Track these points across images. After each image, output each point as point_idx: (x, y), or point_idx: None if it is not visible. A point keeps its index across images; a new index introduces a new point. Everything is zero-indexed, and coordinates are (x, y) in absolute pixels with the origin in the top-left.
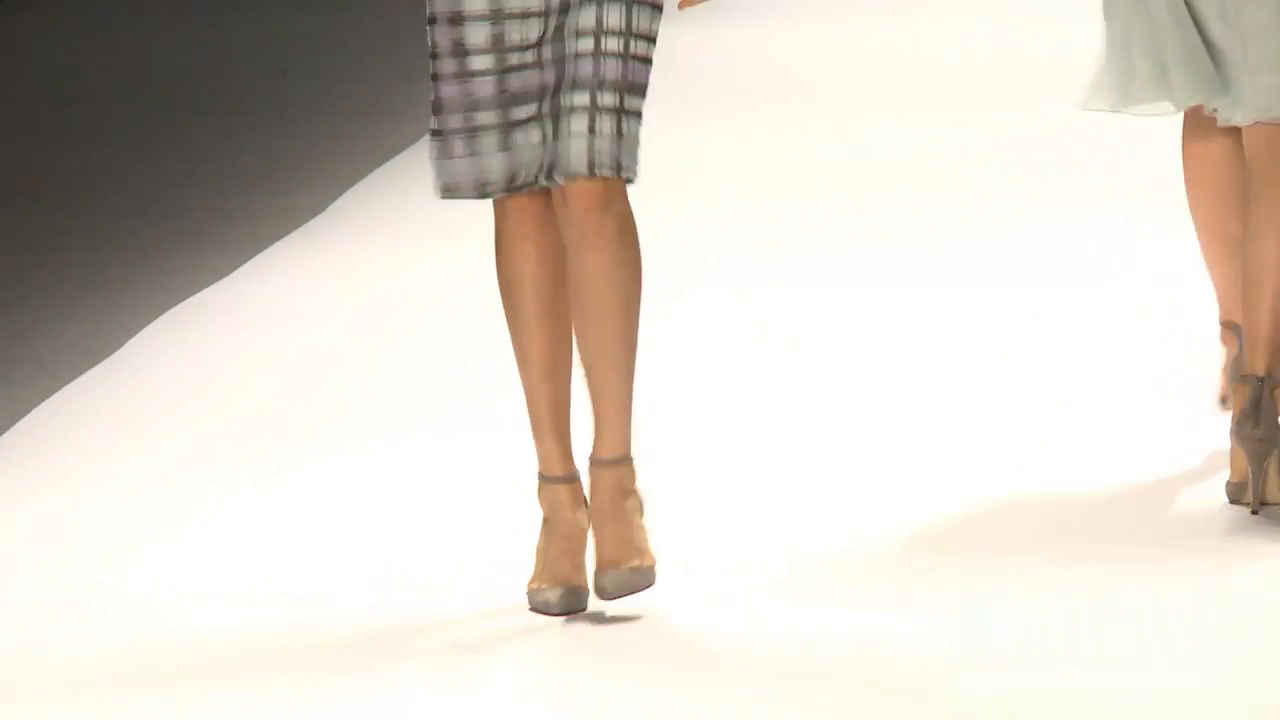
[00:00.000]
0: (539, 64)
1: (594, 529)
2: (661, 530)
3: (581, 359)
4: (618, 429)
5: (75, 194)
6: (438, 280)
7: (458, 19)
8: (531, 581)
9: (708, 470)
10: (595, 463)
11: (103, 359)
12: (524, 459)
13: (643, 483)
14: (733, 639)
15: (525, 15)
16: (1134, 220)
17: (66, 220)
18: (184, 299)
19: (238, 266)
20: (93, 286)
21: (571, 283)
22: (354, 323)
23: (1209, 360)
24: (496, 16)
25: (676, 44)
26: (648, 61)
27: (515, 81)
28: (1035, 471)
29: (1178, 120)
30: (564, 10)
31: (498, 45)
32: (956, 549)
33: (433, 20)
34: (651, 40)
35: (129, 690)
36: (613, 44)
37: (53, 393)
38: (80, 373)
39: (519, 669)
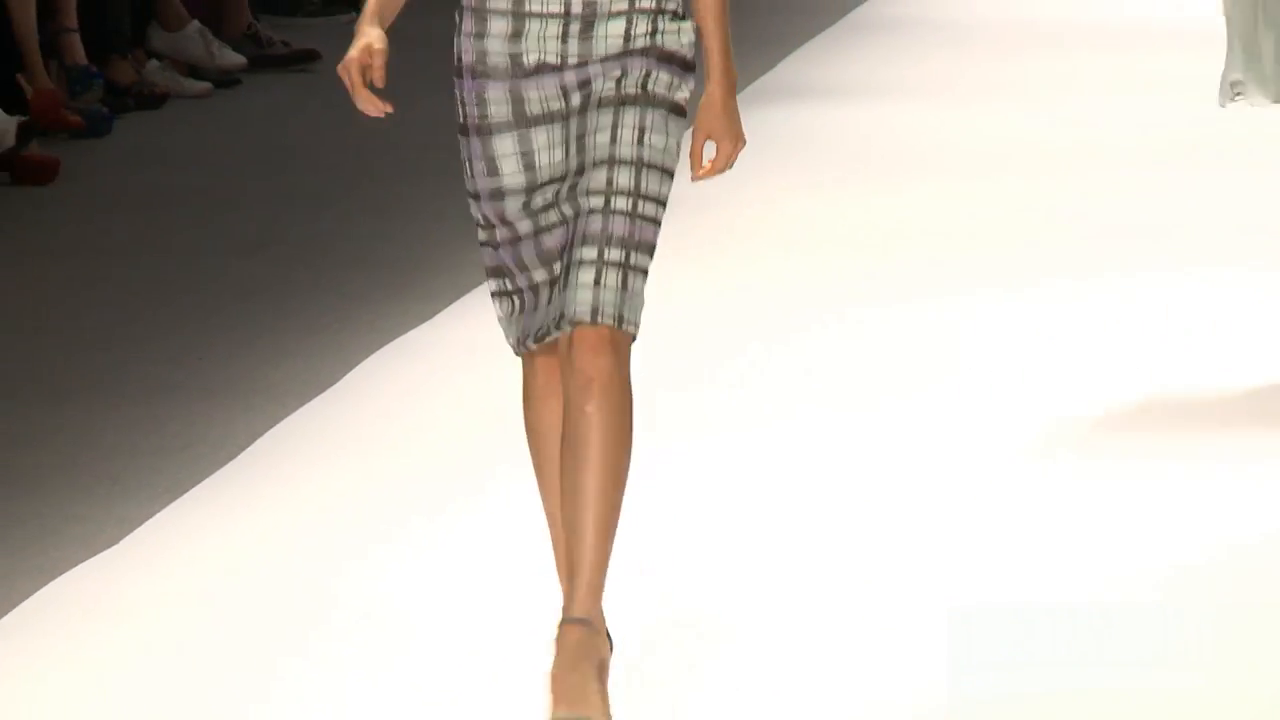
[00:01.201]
0: (564, 223)
1: (552, 679)
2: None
3: (563, 509)
4: (588, 588)
5: (301, 250)
6: None
7: (499, 194)
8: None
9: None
10: (565, 617)
11: (324, 390)
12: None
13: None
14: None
15: (553, 181)
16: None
17: (295, 273)
18: (393, 339)
19: (438, 312)
20: (317, 328)
21: (568, 429)
22: None
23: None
24: (531, 187)
25: (772, 122)
26: (655, 222)
27: (548, 240)
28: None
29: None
30: (580, 172)
31: (534, 211)
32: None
33: (477, 196)
34: (660, 203)
35: (360, 698)
36: (621, 203)
37: (282, 419)
38: (306, 401)
39: None
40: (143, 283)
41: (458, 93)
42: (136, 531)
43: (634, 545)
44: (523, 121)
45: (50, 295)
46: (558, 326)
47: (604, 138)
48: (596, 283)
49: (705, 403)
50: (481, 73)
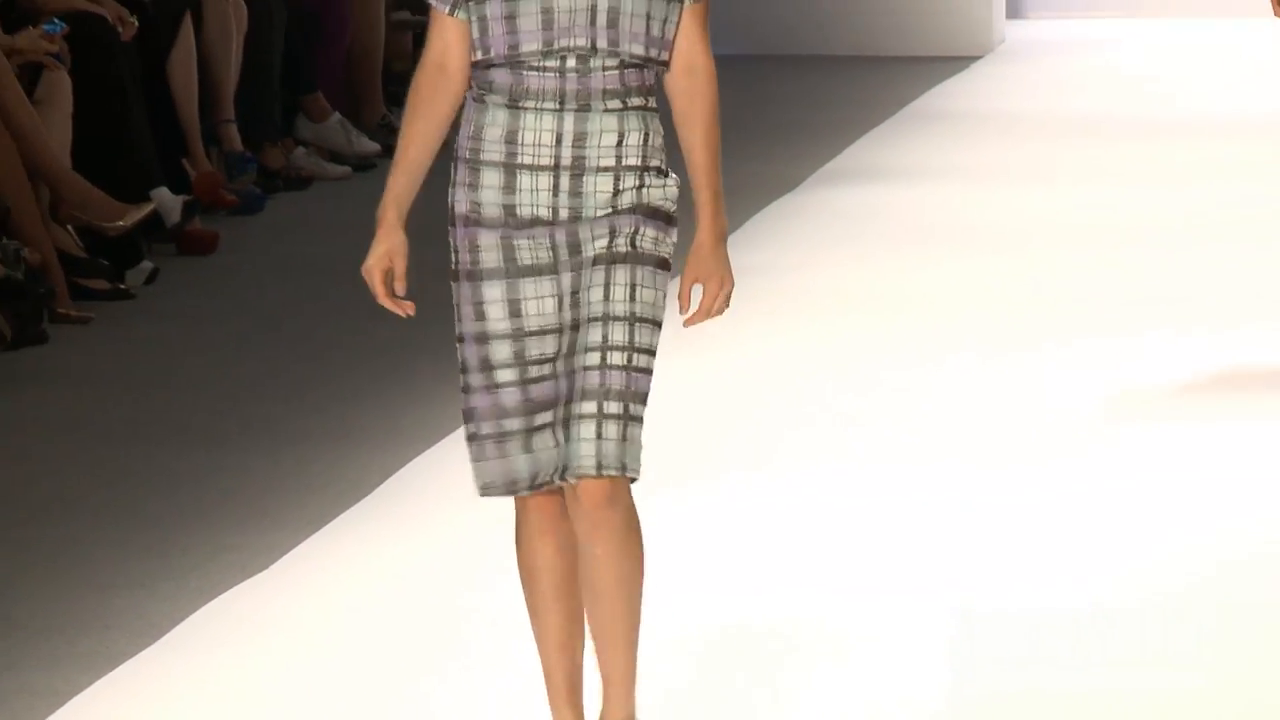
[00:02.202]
0: (555, 376)
1: None
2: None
3: (591, 633)
4: (622, 693)
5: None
6: None
7: (484, 338)
8: None
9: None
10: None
11: (450, 434)
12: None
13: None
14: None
15: (543, 332)
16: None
17: (423, 333)
18: None
19: None
20: (443, 379)
21: (582, 570)
22: None
23: None
24: (518, 334)
25: (838, 201)
26: (648, 372)
27: (536, 391)
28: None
29: None
30: (575, 327)
31: (520, 360)
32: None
33: (461, 339)
34: (651, 354)
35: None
36: (617, 358)
37: (413, 459)
38: (434, 444)
39: None
40: (291, 341)
41: (451, 240)
42: (284, 559)
43: (698, 567)
44: (513, 271)
45: (211, 352)
46: (561, 477)
47: (597, 294)
48: (599, 436)
49: (767, 440)
50: (475, 221)
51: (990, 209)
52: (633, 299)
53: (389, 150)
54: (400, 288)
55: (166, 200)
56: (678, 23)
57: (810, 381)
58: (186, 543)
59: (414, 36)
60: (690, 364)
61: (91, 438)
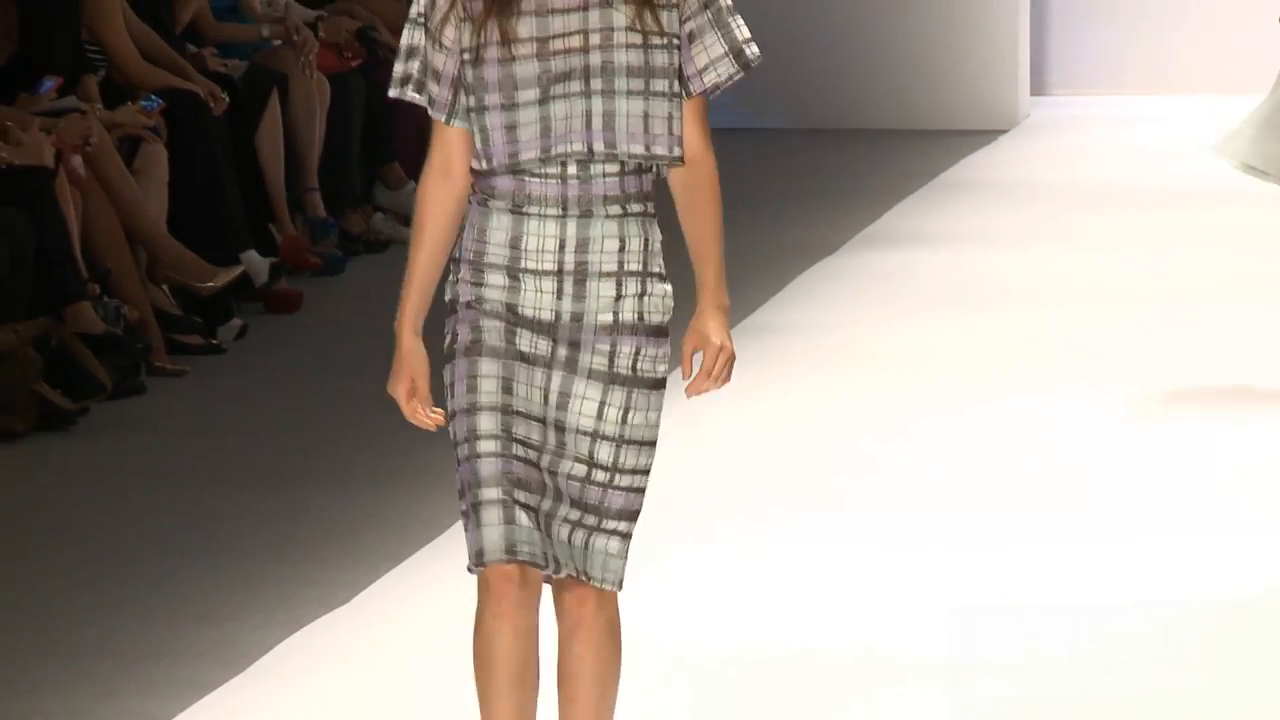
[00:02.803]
0: (539, 467)
1: None
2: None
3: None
4: None
5: None
6: None
7: (474, 409)
8: None
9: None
10: None
11: None
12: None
13: None
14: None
15: (529, 417)
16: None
17: None
18: None
19: None
20: None
21: (561, 663)
22: None
23: None
24: (507, 410)
25: (875, 263)
26: (634, 490)
27: (519, 468)
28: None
29: None
30: (559, 428)
31: (506, 433)
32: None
33: (453, 415)
34: (638, 472)
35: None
36: (600, 476)
37: None
38: None
39: None
40: (368, 392)
41: (448, 324)
42: (364, 593)
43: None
44: (511, 354)
45: (296, 402)
46: (554, 570)
47: (590, 409)
48: (586, 547)
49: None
50: (478, 308)
51: (1017, 270)
52: (624, 421)
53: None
54: (426, 405)
55: (255, 262)
56: (681, 118)
57: (847, 430)
58: (273, 578)
59: None
60: (735, 414)
61: (185, 481)
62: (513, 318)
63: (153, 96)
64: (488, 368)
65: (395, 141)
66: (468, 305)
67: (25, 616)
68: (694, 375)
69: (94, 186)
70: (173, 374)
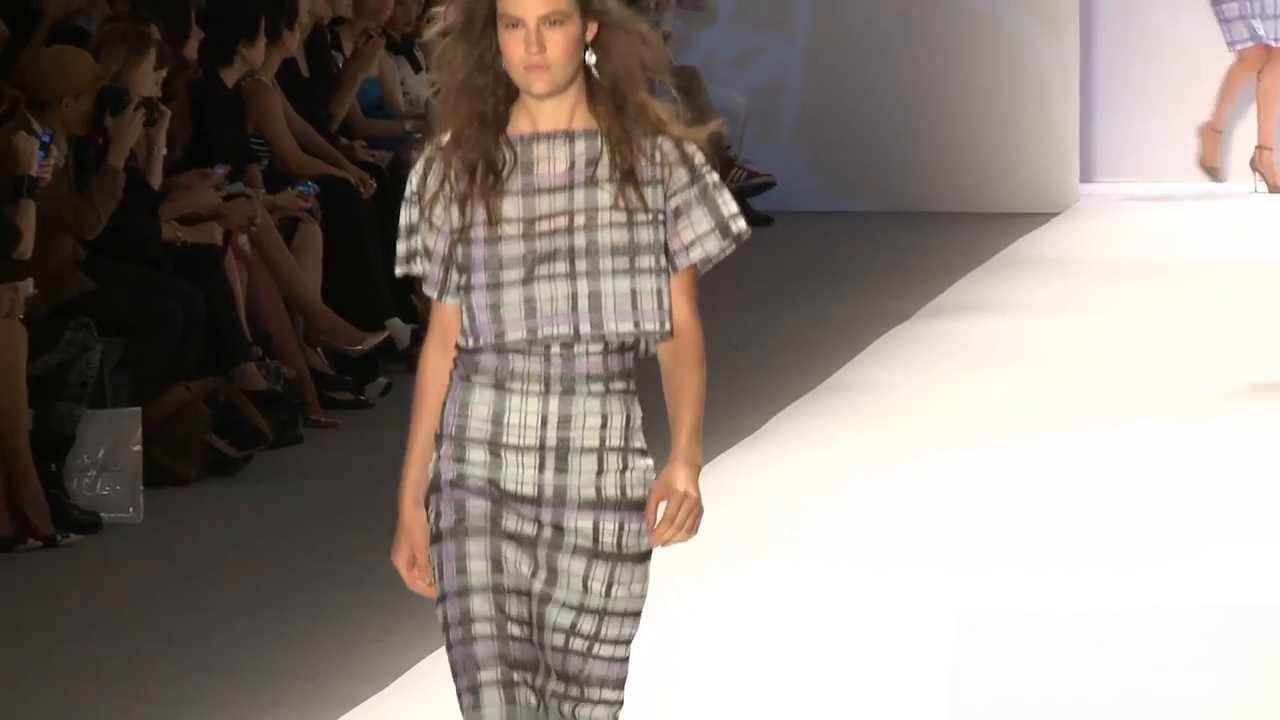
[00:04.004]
0: (531, 642)
1: None
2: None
3: None
4: None
5: None
6: None
7: (466, 591)
8: None
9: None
10: None
11: None
12: None
13: None
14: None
15: (518, 592)
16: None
17: None
18: None
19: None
20: None
21: None
22: None
23: None
24: (499, 589)
25: (940, 331)
26: (617, 659)
27: (515, 648)
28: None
29: None
30: (544, 601)
31: (500, 613)
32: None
33: (443, 598)
34: (621, 642)
35: None
36: (578, 644)
37: None
38: None
39: None
40: None
41: (434, 504)
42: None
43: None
44: (497, 532)
45: None
46: None
47: (576, 584)
48: (572, 716)
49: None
50: (461, 486)
51: (1067, 335)
52: (608, 594)
53: None
54: (427, 574)
55: (398, 328)
56: (668, 292)
57: (913, 470)
58: (415, 605)
59: None
60: (819, 456)
61: (338, 520)
62: (496, 493)
63: (309, 183)
64: (475, 548)
65: None
66: (451, 484)
67: (197, 637)
68: (659, 523)
69: (258, 261)
70: (326, 426)
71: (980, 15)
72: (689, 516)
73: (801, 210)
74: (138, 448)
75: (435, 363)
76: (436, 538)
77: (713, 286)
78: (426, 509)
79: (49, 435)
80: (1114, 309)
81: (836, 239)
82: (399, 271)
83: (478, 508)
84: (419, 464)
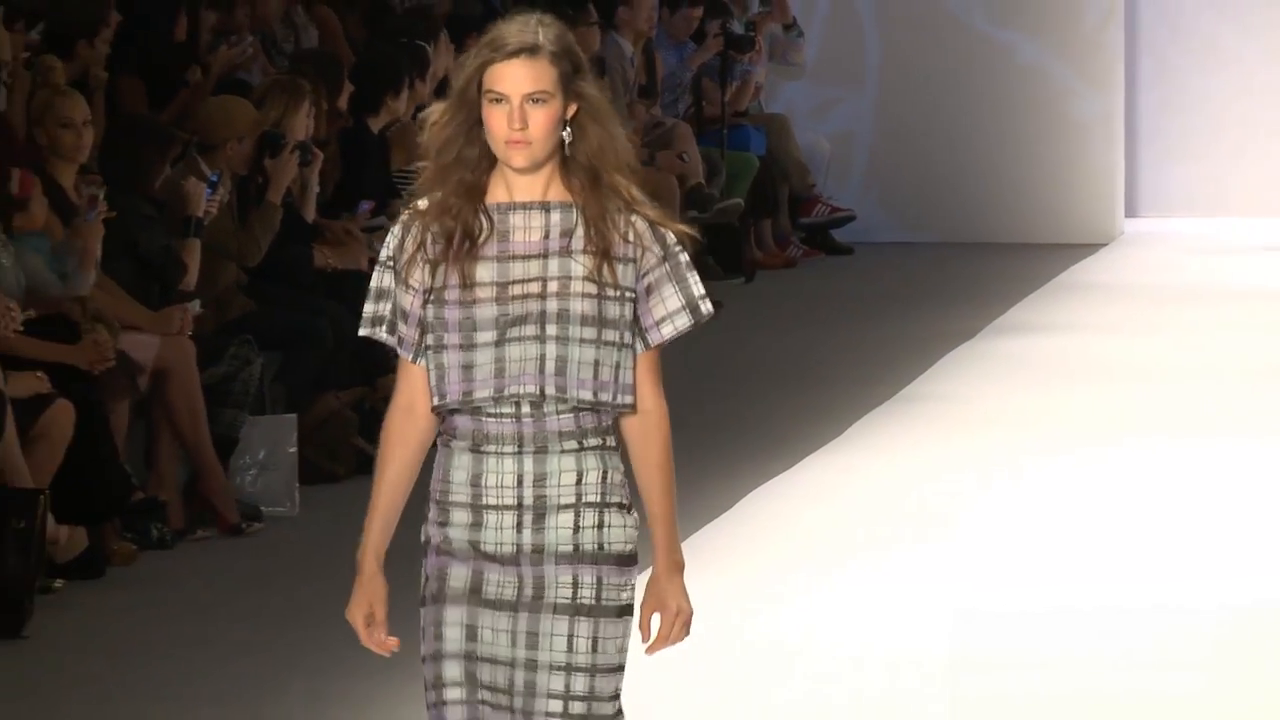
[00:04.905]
0: (509, 709)
1: None
2: None
3: None
4: None
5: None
6: None
7: (439, 656)
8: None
9: None
10: None
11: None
12: None
13: None
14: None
15: (494, 662)
16: None
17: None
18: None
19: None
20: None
21: None
22: None
23: None
24: (470, 656)
25: (1004, 347)
26: (609, 715)
27: (486, 713)
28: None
29: None
30: (529, 666)
31: (470, 681)
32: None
33: (424, 660)
34: (611, 698)
35: None
36: (577, 707)
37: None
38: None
39: None
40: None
41: (422, 567)
42: None
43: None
44: (476, 600)
45: None
46: None
47: (560, 644)
48: None
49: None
50: (447, 552)
51: (1115, 352)
52: (595, 650)
53: None
54: (382, 631)
55: None
56: (632, 368)
57: (974, 474)
58: None
59: (701, 228)
60: (890, 462)
61: None
62: (477, 557)
63: None
64: (452, 615)
65: None
66: (436, 550)
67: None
68: (653, 638)
69: None
70: None
71: (1032, 70)
72: (682, 630)
73: (874, 241)
74: (294, 449)
75: (399, 424)
76: (422, 602)
77: (798, 308)
78: (419, 570)
79: (216, 438)
80: (1158, 329)
81: (907, 267)
82: (362, 332)
83: (459, 576)
84: (380, 524)
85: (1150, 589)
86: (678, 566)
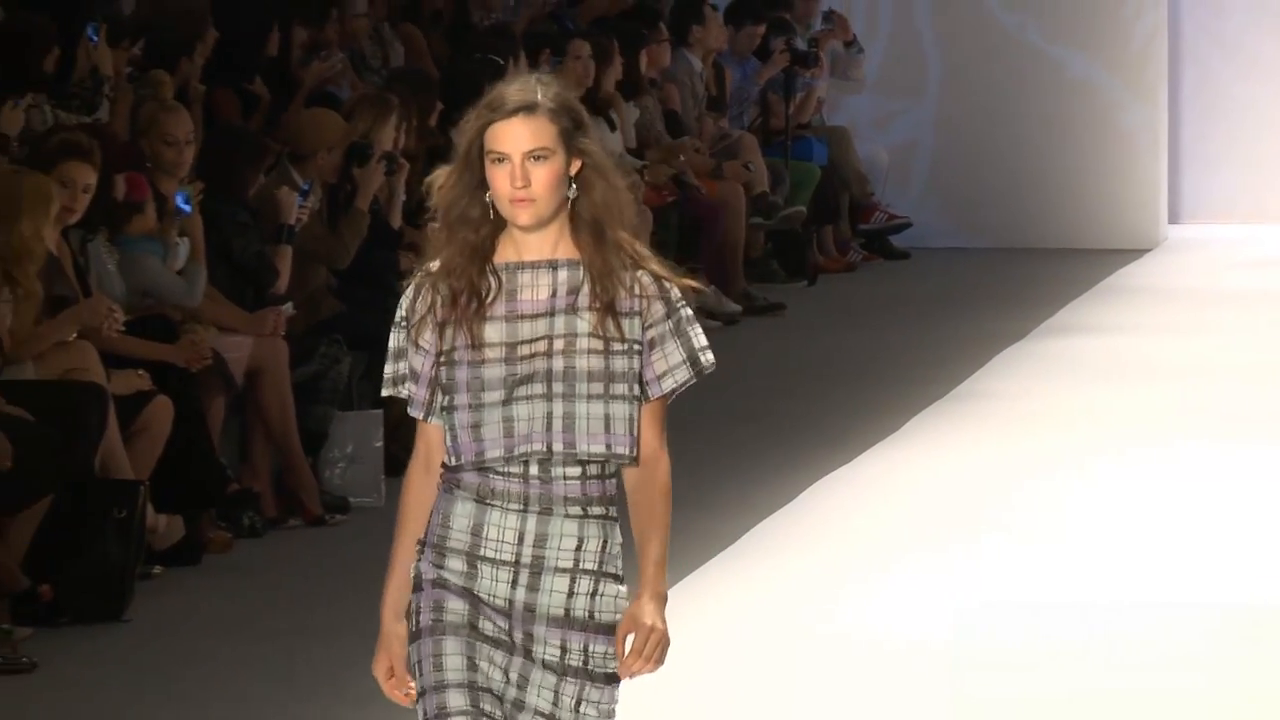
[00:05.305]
0: None
1: None
2: None
3: None
4: None
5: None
6: None
7: (441, 687)
8: None
9: None
10: None
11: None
12: None
13: None
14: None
15: (490, 692)
16: None
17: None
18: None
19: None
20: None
21: None
22: None
23: None
24: (473, 686)
25: (1056, 347)
26: None
27: None
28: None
29: None
30: (518, 706)
31: (475, 709)
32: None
33: (422, 693)
34: None
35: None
36: None
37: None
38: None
39: None
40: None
41: (413, 603)
42: None
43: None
44: (475, 634)
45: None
46: None
47: (547, 697)
48: None
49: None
50: (442, 585)
51: (1158, 352)
52: (577, 711)
53: (748, 310)
54: (405, 683)
55: None
56: (639, 420)
57: (1024, 470)
58: None
59: (766, 234)
60: (941, 454)
61: None
62: (472, 601)
63: None
64: (452, 646)
65: (701, 254)
66: (432, 584)
67: None
68: (627, 655)
69: None
70: None
71: (1081, 84)
72: (655, 648)
73: (932, 247)
74: (380, 444)
75: (419, 483)
76: (415, 636)
77: (857, 310)
78: (407, 613)
79: (306, 433)
80: (1201, 331)
81: (962, 271)
82: (385, 392)
83: (456, 607)
84: (400, 580)
85: (1205, 585)
86: (660, 596)
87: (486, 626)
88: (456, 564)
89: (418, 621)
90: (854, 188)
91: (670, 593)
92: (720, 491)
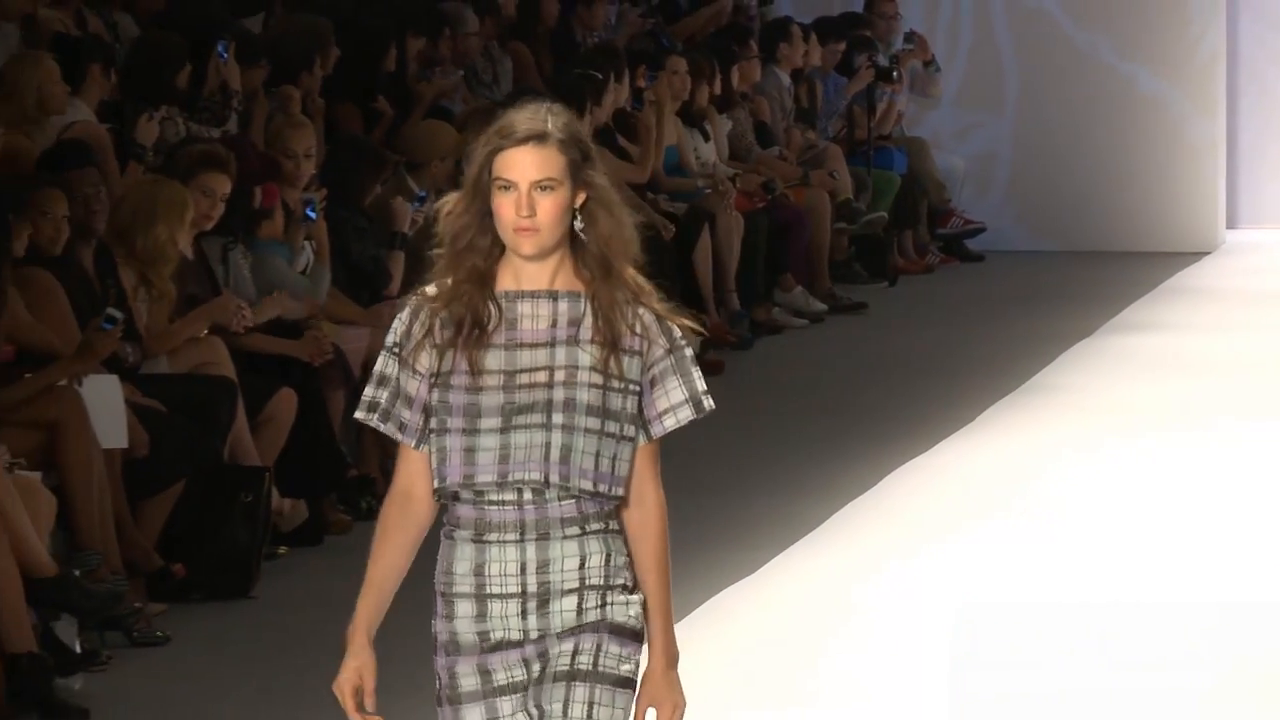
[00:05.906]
0: None
1: None
2: None
3: None
4: None
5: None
6: None
7: (455, 699)
8: None
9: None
10: None
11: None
12: None
13: None
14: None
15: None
16: None
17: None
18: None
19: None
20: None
21: None
22: None
23: None
24: (488, 691)
25: (1118, 344)
26: None
27: None
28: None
29: None
30: None
31: None
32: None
33: (439, 701)
34: None
35: None
36: None
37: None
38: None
39: None
40: (766, 409)
41: (435, 666)
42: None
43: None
44: (490, 693)
45: (744, 430)
46: None
47: (558, 709)
48: None
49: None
50: (453, 649)
51: (1216, 347)
52: (589, 717)
53: (834, 309)
54: (370, 703)
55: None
56: (630, 460)
57: (1091, 459)
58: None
59: (849, 238)
60: (1014, 443)
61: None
62: (485, 646)
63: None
64: (472, 714)
65: (788, 257)
66: (446, 649)
67: None
68: None
69: None
70: None
71: (1148, 99)
72: None
73: (1006, 250)
74: None
75: (397, 511)
76: (439, 702)
77: (935, 309)
78: (434, 667)
79: None
80: (1258, 328)
81: (1032, 272)
82: (358, 416)
83: (469, 673)
84: (373, 604)
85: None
86: (673, 660)
87: (500, 677)
88: (466, 609)
89: (439, 689)
90: (932, 195)
91: (761, 571)
92: (807, 478)
